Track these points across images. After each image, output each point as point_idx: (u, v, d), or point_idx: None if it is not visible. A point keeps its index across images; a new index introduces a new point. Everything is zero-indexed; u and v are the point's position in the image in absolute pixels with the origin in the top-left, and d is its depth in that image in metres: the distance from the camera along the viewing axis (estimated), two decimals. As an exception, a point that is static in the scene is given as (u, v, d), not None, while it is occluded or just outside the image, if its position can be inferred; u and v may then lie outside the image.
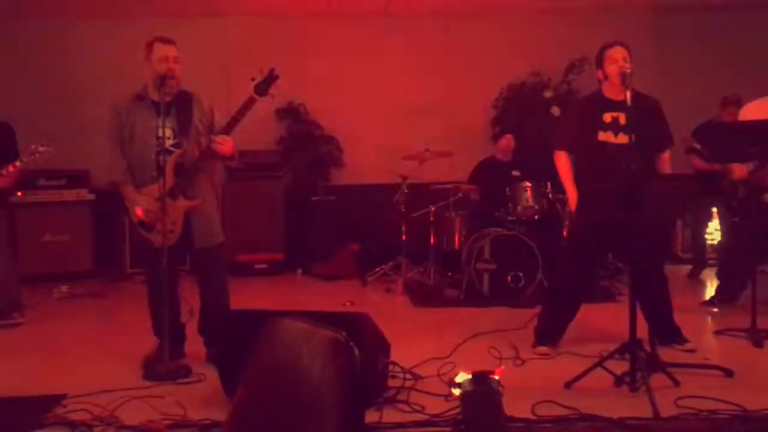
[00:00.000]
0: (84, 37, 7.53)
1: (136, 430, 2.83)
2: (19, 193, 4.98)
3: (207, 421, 2.88)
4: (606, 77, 3.91)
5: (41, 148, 4.72)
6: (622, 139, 3.83)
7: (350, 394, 1.08)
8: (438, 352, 3.97)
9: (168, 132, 3.72)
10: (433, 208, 6.27)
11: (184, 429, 2.83)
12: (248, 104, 3.69)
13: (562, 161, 4.08)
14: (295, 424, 1.06)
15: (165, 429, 2.82)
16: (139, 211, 3.73)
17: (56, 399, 3.23)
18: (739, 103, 6.03)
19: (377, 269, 6.59)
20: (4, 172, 4.72)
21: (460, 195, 6.43)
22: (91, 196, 7.04)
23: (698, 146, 5.59)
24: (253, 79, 3.71)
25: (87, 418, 2.97)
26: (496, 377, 2.69)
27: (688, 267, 6.73)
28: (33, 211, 6.73)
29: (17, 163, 4.72)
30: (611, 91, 3.92)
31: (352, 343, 1.07)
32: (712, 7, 7.51)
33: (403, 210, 6.32)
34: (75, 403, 3.16)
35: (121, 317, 5.42)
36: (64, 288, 6.27)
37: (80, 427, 2.88)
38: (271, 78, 3.69)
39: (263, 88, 3.68)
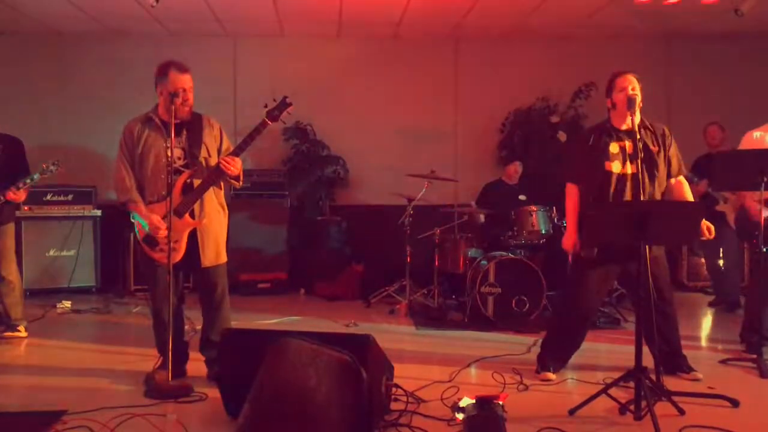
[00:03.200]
0: (93, 54, 7.60)
1: (136, 449, 2.81)
2: (26, 207, 5.03)
3: (208, 441, 2.87)
4: (614, 105, 3.92)
5: (52, 167, 4.85)
6: (630, 168, 3.84)
7: (357, 415, 1.08)
8: (441, 375, 3.96)
9: (178, 152, 3.76)
10: (438, 231, 6.26)
11: (185, 448, 2.81)
12: (260, 128, 3.75)
13: (571, 195, 4.07)
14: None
15: (165, 448, 2.80)
16: (153, 226, 3.73)
17: (56, 415, 3.20)
18: (721, 127, 6.16)
19: (381, 290, 6.57)
20: (20, 185, 4.77)
21: (465, 217, 6.42)
22: (97, 212, 7.08)
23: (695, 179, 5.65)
24: (266, 106, 3.79)
25: (87, 435, 2.96)
26: (500, 402, 2.67)
27: (694, 295, 6.69)
28: (39, 225, 6.75)
29: (28, 180, 4.80)
30: (619, 120, 3.93)
31: (359, 365, 1.06)
32: (720, 36, 7.55)
33: (408, 231, 6.31)
34: (75, 419, 3.14)
35: (124, 334, 5.40)
36: (68, 303, 6.28)
37: (80, 444, 2.86)
38: (283, 105, 3.78)
39: (276, 114, 3.77)
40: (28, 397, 3.67)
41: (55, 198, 6.95)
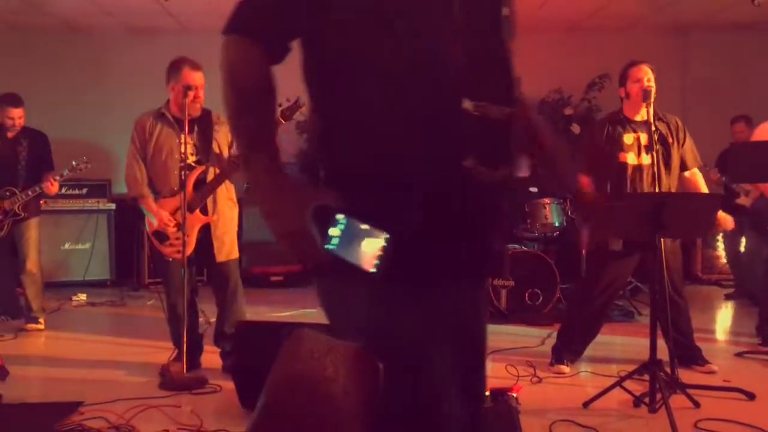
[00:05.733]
0: (108, 50, 7.64)
1: (151, 440, 2.83)
2: (41, 201, 5.11)
3: (222, 432, 2.89)
4: (627, 96, 3.90)
5: (81, 165, 4.98)
6: (644, 159, 3.82)
7: (374, 408, 1.08)
8: (454, 368, 3.95)
9: (190, 148, 3.78)
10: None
11: (200, 439, 2.83)
12: None
13: None
14: (317, 435, 1.06)
15: (181, 439, 2.82)
16: (162, 222, 3.76)
17: (73, 406, 3.24)
18: (748, 120, 6.05)
19: (394, 284, 6.57)
20: (58, 177, 4.89)
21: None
22: (111, 206, 7.12)
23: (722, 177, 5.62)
24: (279, 106, 3.78)
25: (103, 425, 2.99)
26: (514, 395, 2.67)
27: (708, 287, 6.65)
28: (54, 218, 6.82)
29: (58, 177, 4.92)
30: (631, 111, 3.91)
31: (375, 356, 1.07)
32: (737, 26, 7.47)
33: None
34: (92, 410, 3.17)
35: (139, 326, 5.44)
36: (83, 296, 6.33)
37: (96, 435, 2.89)
38: (296, 106, 3.78)
39: (288, 114, 3.77)
40: (45, 388, 3.71)
41: (70, 192, 7.00)
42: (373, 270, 1.14)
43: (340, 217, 1.17)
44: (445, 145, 1.25)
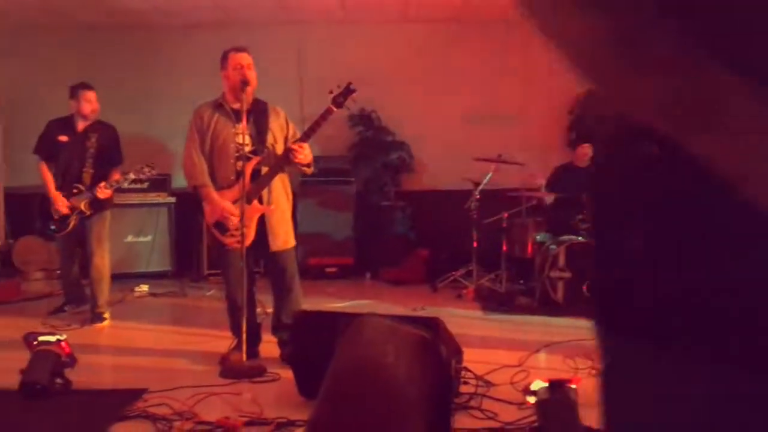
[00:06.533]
0: (166, 45, 7.83)
1: (213, 426, 2.90)
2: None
3: (282, 420, 2.93)
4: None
5: (146, 169, 5.05)
6: None
7: (436, 393, 1.09)
8: (510, 360, 3.93)
9: (246, 139, 3.83)
10: (506, 215, 6.20)
11: (260, 427, 2.89)
12: (326, 115, 3.79)
13: None
14: (382, 419, 1.07)
15: (241, 426, 2.88)
16: (226, 212, 3.82)
17: (138, 393, 3.34)
18: None
19: (447, 275, 6.57)
20: (113, 183, 4.97)
21: (534, 201, 6.33)
22: (172, 199, 7.31)
23: None
24: (331, 92, 3.82)
25: (167, 412, 3.06)
26: (573, 386, 2.64)
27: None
28: (117, 212, 6.98)
29: (126, 178, 5.00)
30: None
31: (438, 342, 1.07)
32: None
33: (475, 216, 6.27)
34: (156, 397, 3.26)
35: (199, 316, 5.58)
36: (145, 287, 6.52)
37: (160, 420, 2.96)
38: (348, 92, 3.80)
39: (340, 100, 3.79)
40: (111, 375, 3.84)
41: (132, 186, 7.19)
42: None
43: None
44: None
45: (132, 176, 5.02)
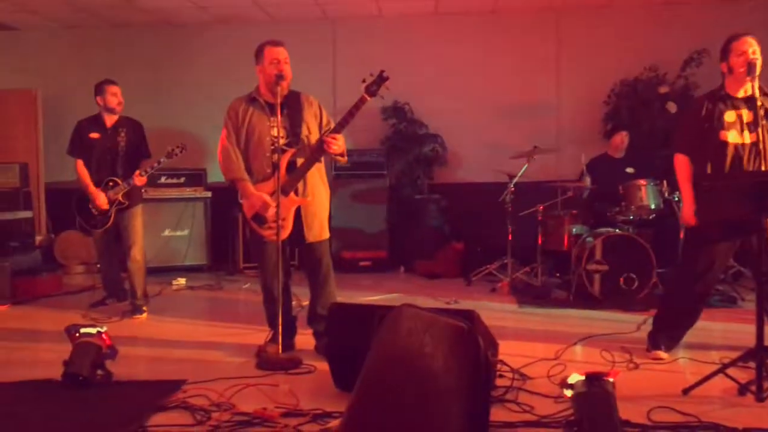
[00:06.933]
0: (201, 42, 7.92)
1: (250, 417, 2.93)
2: (143, 190, 5.41)
3: (318, 411, 2.95)
4: (730, 70, 3.69)
5: (177, 150, 5.14)
6: (747, 138, 3.62)
7: (474, 384, 1.08)
8: (546, 353, 3.90)
9: (281, 131, 3.85)
10: (541, 207, 6.14)
11: (297, 418, 2.91)
12: (359, 104, 3.76)
13: (682, 166, 3.87)
14: (420, 410, 1.07)
15: (278, 417, 2.90)
16: (265, 204, 3.85)
17: (177, 384, 3.39)
18: None
19: (482, 269, 6.53)
20: (148, 168, 5.08)
21: (569, 193, 6.26)
22: (208, 194, 7.40)
23: None
24: (363, 81, 3.79)
25: (205, 403, 3.10)
26: (611, 379, 2.60)
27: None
28: (155, 207, 7.13)
29: (160, 162, 5.11)
30: (734, 87, 3.71)
31: (476, 333, 1.07)
32: None
33: (510, 209, 6.23)
34: (194, 388, 3.30)
35: (235, 309, 5.65)
36: (182, 280, 6.62)
37: (199, 411, 3.00)
38: (381, 79, 3.76)
39: (374, 89, 3.76)
40: (151, 367, 3.90)
41: (169, 181, 7.32)
42: None
43: None
44: None
45: (164, 159, 5.13)
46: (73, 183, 5.43)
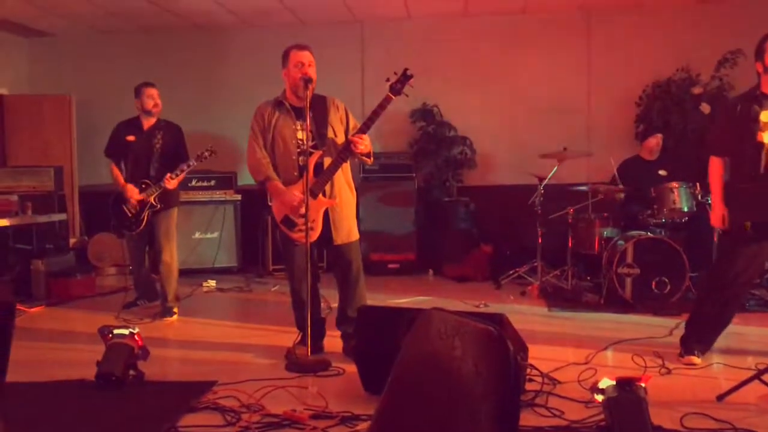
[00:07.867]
0: (232, 46, 8.00)
1: (280, 419, 2.94)
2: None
3: (347, 414, 2.96)
4: (766, 70, 3.62)
5: (207, 153, 5.19)
6: None
7: (504, 388, 1.07)
8: (576, 357, 3.86)
9: (307, 135, 3.87)
10: (572, 210, 6.08)
11: (326, 420, 2.92)
12: (384, 103, 3.76)
13: (715, 168, 3.82)
14: (449, 413, 1.06)
15: (308, 419, 2.92)
16: (296, 202, 3.86)
17: (207, 385, 3.43)
18: None
19: (511, 272, 6.49)
20: (178, 172, 5.12)
21: (600, 196, 6.18)
22: (237, 197, 7.47)
23: None
24: (387, 80, 3.79)
25: (235, 404, 3.13)
26: (643, 384, 2.57)
27: None
28: (185, 209, 7.19)
29: (189, 165, 5.15)
30: None
31: (505, 337, 1.06)
32: None
33: (539, 211, 6.18)
34: (224, 390, 3.33)
35: (265, 311, 5.68)
36: (213, 282, 6.68)
37: (229, 412, 3.03)
38: (405, 78, 3.76)
39: (398, 87, 3.76)
40: (182, 368, 3.95)
41: (200, 184, 7.41)
42: None
43: None
44: None
45: (194, 162, 5.16)
46: (105, 186, 5.52)
